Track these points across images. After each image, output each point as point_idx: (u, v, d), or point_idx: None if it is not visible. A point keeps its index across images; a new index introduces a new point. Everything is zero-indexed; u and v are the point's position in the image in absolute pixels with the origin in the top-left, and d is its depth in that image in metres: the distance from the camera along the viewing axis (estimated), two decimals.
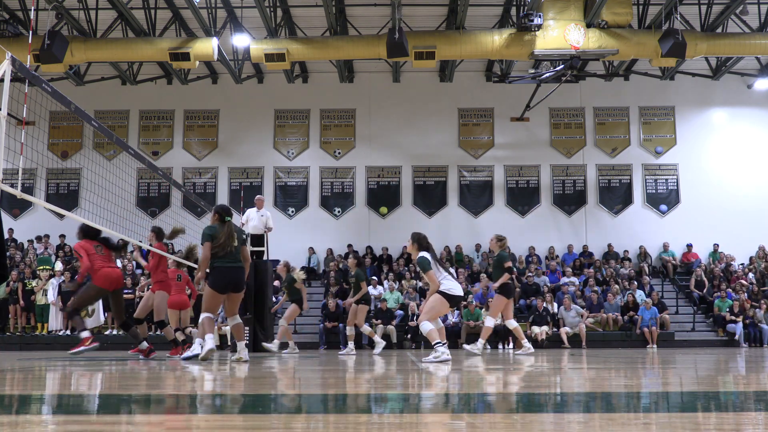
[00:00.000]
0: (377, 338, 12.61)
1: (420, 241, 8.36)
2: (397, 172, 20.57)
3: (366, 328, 12.30)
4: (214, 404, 3.17)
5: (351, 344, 11.95)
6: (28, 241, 19.49)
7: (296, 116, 20.81)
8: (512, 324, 10.39)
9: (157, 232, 9.95)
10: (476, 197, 20.43)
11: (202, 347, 7.76)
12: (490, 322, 10.56)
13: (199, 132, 20.80)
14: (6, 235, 19.37)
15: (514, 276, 10.72)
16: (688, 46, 15.52)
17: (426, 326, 7.89)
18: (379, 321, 16.10)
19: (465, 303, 16.70)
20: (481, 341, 10.51)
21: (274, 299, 14.75)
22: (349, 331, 11.91)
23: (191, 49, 15.80)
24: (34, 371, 5.87)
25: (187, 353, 8.40)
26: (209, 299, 7.68)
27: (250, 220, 13.38)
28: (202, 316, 7.88)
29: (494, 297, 10.58)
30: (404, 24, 16.37)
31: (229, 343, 14.35)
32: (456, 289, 8.01)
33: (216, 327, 14.75)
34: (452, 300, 7.97)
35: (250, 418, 2.60)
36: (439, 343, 7.70)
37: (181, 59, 15.97)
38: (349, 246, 19.65)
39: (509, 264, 10.53)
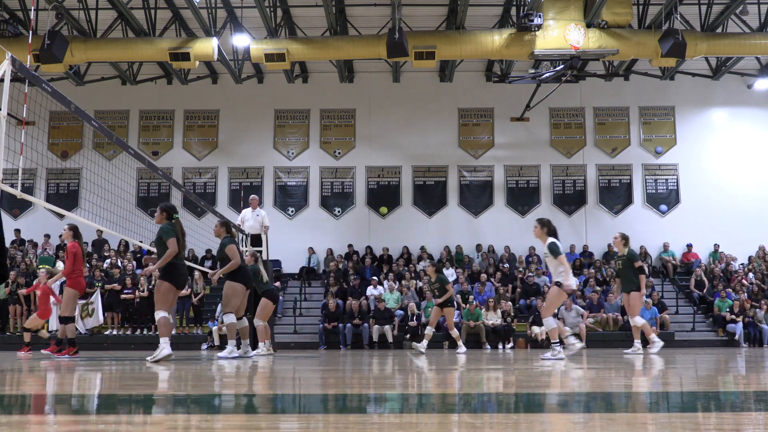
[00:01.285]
0: (461, 342, 13.02)
1: (549, 225, 8.73)
2: (397, 172, 20.57)
3: (455, 332, 12.68)
4: (214, 404, 3.17)
5: (423, 343, 11.84)
6: (27, 241, 19.49)
7: (296, 116, 20.81)
8: (639, 321, 10.29)
9: (75, 230, 9.80)
10: (476, 197, 20.43)
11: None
12: (640, 321, 10.42)
13: (199, 132, 20.80)
14: (14, 236, 19.43)
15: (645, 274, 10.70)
16: (688, 46, 15.52)
17: (550, 323, 8.40)
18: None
19: (465, 303, 16.70)
20: (652, 337, 10.50)
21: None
22: (428, 331, 12.11)
23: (191, 49, 15.81)
24: (34, 371, 5.87)
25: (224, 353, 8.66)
26: (167, 296, 7.87)
27: (246, 221, 13.37)
28: (161, 315, 7.94)
29: (631, 295, 10.31)
30: (404, 24, 16.37)
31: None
32: (572, 281, 8.40)
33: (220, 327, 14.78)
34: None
35: (250, 418, 2.60)
36: (557, 342, 8.25)
37: (181, 59, 15.97)
38: (350, 246, 19.65)
39: (640, 263, 10.49)
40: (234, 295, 8.92)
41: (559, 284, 8.30)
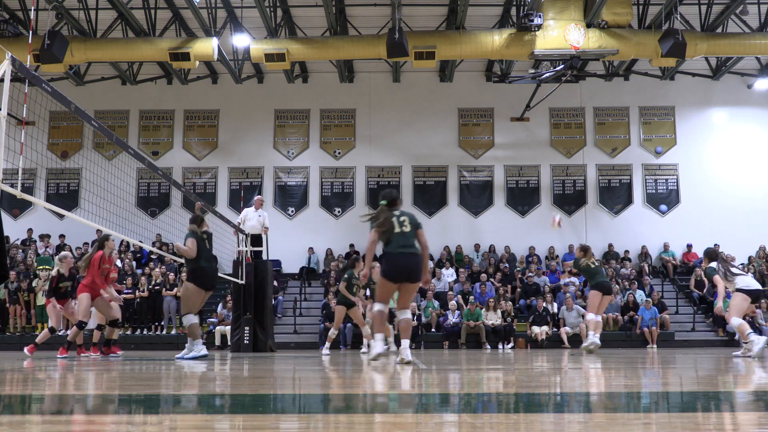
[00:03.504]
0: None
1: (709, 255, 9.56)
2: (397, 172, 20.57)
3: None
4: (215, 404, 3.17)
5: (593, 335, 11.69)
6: (23, 241, 19.49)
7: (296, 116, 20.81)
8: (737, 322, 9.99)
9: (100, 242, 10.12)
10: (476, 197, 20.43)
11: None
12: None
13: (199, 132, 20.80)
14: (25, 235, 19.44)
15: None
16: (688, 46, 15.52)
17: (735, 321, 8.98)
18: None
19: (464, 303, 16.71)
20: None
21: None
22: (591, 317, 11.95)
23: (191, 49, 15.81)
24: (34, 371, 5.87)
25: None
26: (192, 298, 7.76)
27: (248, 220, 13.38)
28: (188, 318, 8.05)
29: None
30: (404, 24, 16.37)
31: (230, 343, 14.34)
32: (752, 284, 9.06)
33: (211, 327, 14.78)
34: (751, 294, 8.96)
35: (250, 418, 2.60)
36: (751, 333, 8.83)
37: (181, 59, 15.97)
38: (351, 246, 19.65)
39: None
40: (190, 296, 8.71)
41: (740, 290, 8.99)
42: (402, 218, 6.71)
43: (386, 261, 6.66)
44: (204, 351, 8.65)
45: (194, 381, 4.68)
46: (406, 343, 6.59)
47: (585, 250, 11.46)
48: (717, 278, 9.16)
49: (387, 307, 6.85)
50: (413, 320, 16.34)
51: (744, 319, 9.38)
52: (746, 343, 8.86)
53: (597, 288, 11.00)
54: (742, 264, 19.29)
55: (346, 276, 11.18)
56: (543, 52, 15.69)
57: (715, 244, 19.55)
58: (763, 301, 17.16)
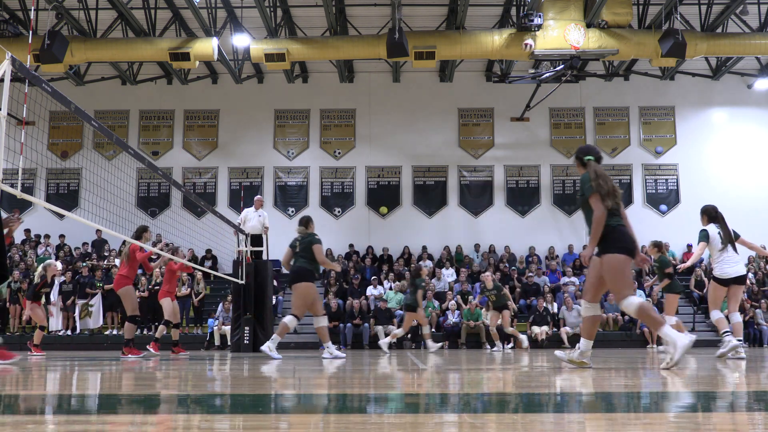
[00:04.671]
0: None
1: (708, 213, 8.49)
2: (397, 172, 20.57)
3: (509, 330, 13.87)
4: (215, 404, 3.17)
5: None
6: (22, 241, 19.49)
7: (296, 116, 20.81)
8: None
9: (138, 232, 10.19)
10: (476, 197, 20.43)
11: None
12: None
13: (199, 132, 20.81)
14: (23, 236, 19.44)
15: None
16: (688, 46, 15.53)
17: (715, 315, 8.25)
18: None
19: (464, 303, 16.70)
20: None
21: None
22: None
23: (191, 49, 15.81)
24: (35, 371, 5.87)
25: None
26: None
27: (248, 220, 13.39)
28: (319, 322, 8.60)
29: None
30: (404, 24, 16.37)
31: (230, 344, 14.35)
32: (730, 272, 8.13)
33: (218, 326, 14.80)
34: (724, 283, 8.12)
35: (250, 418, 2.60)
36: (727, 332, 7.96)
37: (181, 59, 15.98)
38: (351, 246, 19.65)
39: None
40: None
41: (715, 278, 8.15)
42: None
43: (616, 237, 5.39)
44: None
45: (194, 381, 4.68)
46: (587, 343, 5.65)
47: (659, 245, 11.15)
48: (703, 245, 8.19)
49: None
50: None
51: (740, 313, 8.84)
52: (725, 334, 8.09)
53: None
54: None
55: (416, 282, 12.30)
56: (543, 52, 15.70)
57: None
58: (763, 301, 17.16)
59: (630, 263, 5.35)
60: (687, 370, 5.41)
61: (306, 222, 9.00)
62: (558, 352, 5.98)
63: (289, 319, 8.65)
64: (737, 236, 8.33)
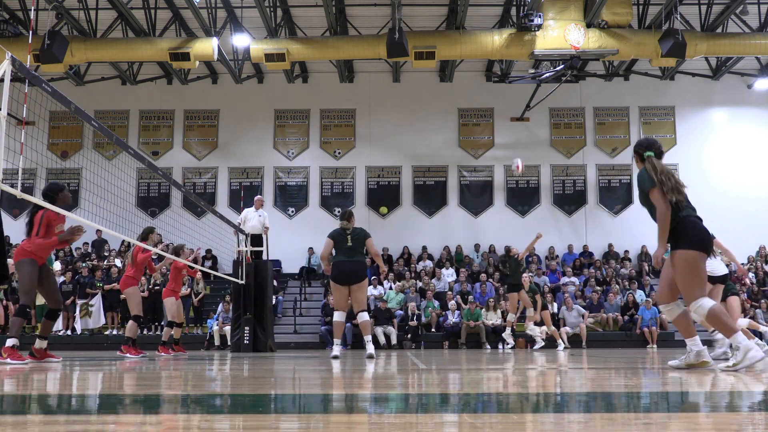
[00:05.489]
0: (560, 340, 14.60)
1: None
2: (397, 172, 20.57)
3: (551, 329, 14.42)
4: (215, 404, 3.17)
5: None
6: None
7: (296, 116, 20.82)
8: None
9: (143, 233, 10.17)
10: (476, 197, 20.43)
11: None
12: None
13: (199, 132, 20.81)
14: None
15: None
16: (688, 46, 15.53)
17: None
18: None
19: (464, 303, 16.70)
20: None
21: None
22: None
23: (191, 49, 15.82)
24: (35, 371, 5.87)
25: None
26: (333, 293, 7.91)
27: (248, 220, 13.38)
28: (333, 316, 8.37)
29: None
30: (404, 24, 16.37)
31: (230, 344, 14.36)
32: (718, 269, 8.00)
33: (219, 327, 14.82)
34: (715, 280, 7.96)
35: (250, 418, 2.60)
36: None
37: (181, 59, 15.98)
38: None
39: None
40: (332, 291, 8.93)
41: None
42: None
43: (687, 230, 5.08)
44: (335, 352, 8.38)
45: (194, 381, 4.68)
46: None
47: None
48: None
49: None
50: (414, 320, 16.39)
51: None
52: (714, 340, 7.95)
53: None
54: (742, 264, 19.28)
55: (513, 263, 13.43)
56: (543, 52, 15.70)
57: None
58: (763, 301, 17.16)
59: (704, 260, 5.01)
60: (687, 370, 5.41)
61: (350, 215, 8.79)
62: (672, 362, 5.53)
63: (366, 317, 8.39)
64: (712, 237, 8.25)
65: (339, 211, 20.34)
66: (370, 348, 8.27)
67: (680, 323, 5.30)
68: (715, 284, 8.09)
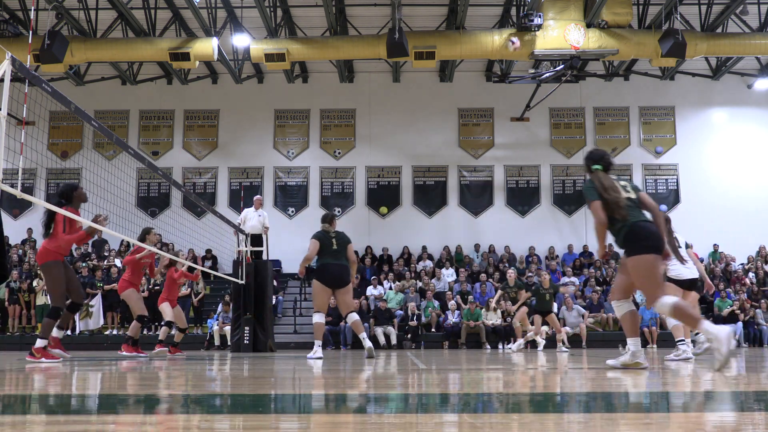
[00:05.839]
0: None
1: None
2: (397, 172, 20.57)
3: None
4: (215, 404, 3.17)
5: None
6: (23, 241, 19.49)
7: (296, 116, 20.81)
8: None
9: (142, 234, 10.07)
10: (476, 197, 20.43)
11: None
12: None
13: (199, 132, 20.81)
14: (26, 235, 19.44)
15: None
16: (688, 46, 15.53)
17: (671, 321, 8.00)
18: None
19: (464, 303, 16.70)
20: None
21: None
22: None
23: (191, 49, 15.81)
24: (34, 371, 5.87)
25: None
26: (317, 295, 8.18)
27: (248, 220, 13.39)
28: (314, 317, 8.59)
29: None
30: (404, 24, 16.37)
31: (230, 344, 14.38)
32: (685, 273, 7.95)
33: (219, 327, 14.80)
34: (679, 284, 7.90)
35: (250, 418, 2.60)
36: (682, 341, 7.81)
37: (181, 59, 15.98)
38: None
39: None
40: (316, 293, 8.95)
41: (670, 279, 7.96)
42: (622, 183, 5.42)
43: (639, 235, 5.21)
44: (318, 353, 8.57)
45: (194, 381, 4.68)
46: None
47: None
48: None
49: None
50: (414, 320, 16.39)
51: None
52: (680, 343, 8.03)
53: None
54: (742, 264, 19.29)
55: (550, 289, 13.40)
56: (543, 52, 15.70)
57: (715, 245, 19.62)
58: (763, 301, 17.16)
59: (659, 260, 5.15)
60: (686, 370, 5.42)
61: (333, 218, 9.01)
62: (609, 361, 5.77)
63: (356, 317, 8.53)
64: (688, 245, 8.35)
65: (339, 211, 20.36)
66: (368, 343, 8.32)
67: (626, 321, 5.53)
68: (684, 289, 8.07)
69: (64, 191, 7.57)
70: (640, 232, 5.14)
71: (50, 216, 7.46)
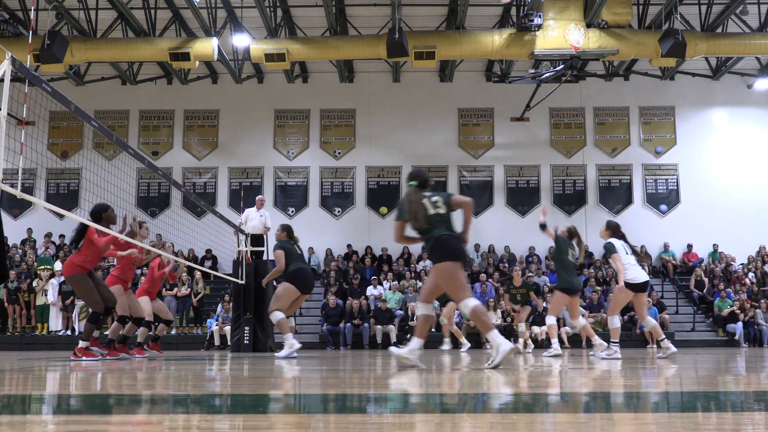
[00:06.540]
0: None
1: (613, 228, 8.65)
2: (397, 172, 20.57)
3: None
4: (215, 404, 3.17)
5: None
6: (22, 241, 19.49)
7: (296, 116, 20.81)
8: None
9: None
10: (476, 197, 20.34)
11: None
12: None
13: (199, 132, 20.81)
14: (26, 235, 19.44)
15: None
16: (688, 46, 15.53)
17: (616, 321, 8.54)
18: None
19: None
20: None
21: None
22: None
23: (191, 49, 15.81)
24: (34, 371, 5.87)
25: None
26: (284, 296, 8.42)
27: (250, 220, 13.38)
28: (275, 315, 8.57)
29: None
30: (404, 24, 16.37)
31: (230, 344, 14.38)
32: (640, 276, 8.28)
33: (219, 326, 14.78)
34: (637, 288, 8.28)
35: (250, 418, 2.60)
36: (617, 342, 8.36)
37: (181, 59, 15.98)
38: (349, 246, 19.65)
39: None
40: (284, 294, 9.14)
41: (627, 282, 8.27)
42: (434, 199, 5.88)
43: (441, 246, 5.71)
44: (296, 345, 8.73)
45: (194, 381, 4.68)
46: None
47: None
48: (616, 257, 8.24)
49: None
50: (414, 320, 16.37)
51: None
52: (614, 343, 8.39)
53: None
54: (742, 264, 19.29)
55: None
56: (543, 52, 15.70)
57: (715, 245, 19.63)
58: (763, 301, 17.16)
59: (460, 267, 5.70)
60: (688, 369, 5.41)
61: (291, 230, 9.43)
62: (393, 348, 6.28)
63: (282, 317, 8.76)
64: (635, 250, 8.62)
65: (339, 211, 20.37)
66: (286, 350, 8.62)
67: (419, 321, 6.02)
68: (636, 292, 8.33)
69: (94, 211, 8.05)
70: (443, 244, 5.68)
71: (79, 232, 8.01)
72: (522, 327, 13.43)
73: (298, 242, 9.25)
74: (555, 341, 9.55)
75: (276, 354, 9.06)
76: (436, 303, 14.57)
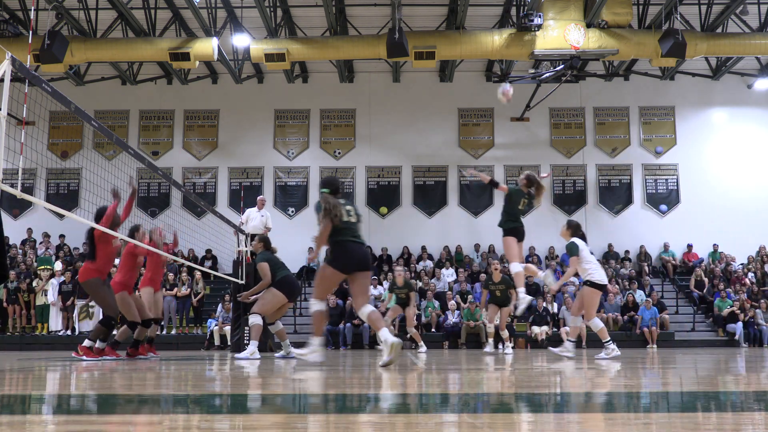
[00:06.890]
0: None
1: (574, 227, 9.02)
2: (397, 172, 20.57)
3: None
4: (215, 404, 3.17)
5: None
6: (23, 241, 19.47)
7: (296, 116, 20.81)
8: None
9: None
10: (476, 197, 20.43)
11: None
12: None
13: (199, 132, 20.80)
14: (26, 235, 19.44)
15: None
16: (688, 46, 15.53)
17: (599, 323, 8.70)
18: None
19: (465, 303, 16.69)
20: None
21: None
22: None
23: (191, 49, 15.81)
24: (34, 371, 5.87)
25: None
26: (271, 301, 8.59)
27: (251, 220, 13.38)
28: (254, 319, 8.68)
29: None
30: (404, 24, 16.37)
31: (230, 344, 14.38)
32: (604, 278, 8.69)
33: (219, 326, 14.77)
34: (600, 288, 8.59)
35: (250, 418, 2.60)
36: (609, 341, 8.64)
37: (181, 59, 15.98)
38: None
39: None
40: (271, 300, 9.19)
41: (589, 283, 8.46)
42: (348, 207, 6.43)
43: (336, 250, 6.21)
44: (257, 354, 8.86)
45: (194, 381, 4.68)
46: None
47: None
48: (576, 259, 8.38)
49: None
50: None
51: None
52: (607, 342, 8.67)
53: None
54: (742, 264, 19.28)
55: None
56: (543, 52, 15.70)
57: (715, 245, 19.62)
58: (763, 301, 17.16)
59: (335, 275, 6.18)
60: (688, 369, 5.41)
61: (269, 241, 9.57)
62: (295, 350, 6.65)
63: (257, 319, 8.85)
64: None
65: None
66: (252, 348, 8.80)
67: (314, 318, 6.31)
68: (601, 292, 8.68)
69: (99, 212, 8.34)
70: (339, 248, 6.14)
71: (90, 239, 8.24)
72: (491, 327, 12.74)
73: (276, 252, 9.40)
74: (567, 342, 9.47)
75: (296, 351, 8.88)
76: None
